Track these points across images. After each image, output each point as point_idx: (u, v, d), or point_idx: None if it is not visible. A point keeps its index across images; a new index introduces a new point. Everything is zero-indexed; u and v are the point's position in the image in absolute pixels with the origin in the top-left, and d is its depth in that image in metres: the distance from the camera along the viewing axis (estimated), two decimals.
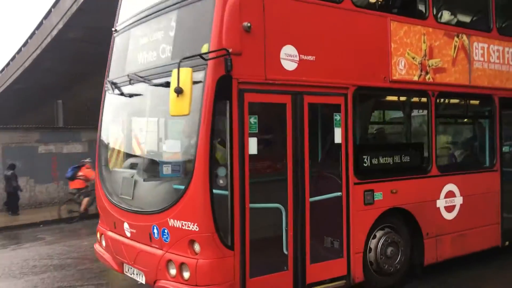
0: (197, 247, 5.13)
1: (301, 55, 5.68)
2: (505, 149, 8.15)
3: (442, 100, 7.33)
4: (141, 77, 5.89)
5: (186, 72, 4.80)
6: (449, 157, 7.86)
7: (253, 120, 5.33)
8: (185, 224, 5.16)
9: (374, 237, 6.39)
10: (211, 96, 5.04)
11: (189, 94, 4.77)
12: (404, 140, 7.25)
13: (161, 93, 5.42)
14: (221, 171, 5.19)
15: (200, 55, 5.02)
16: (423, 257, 6.92)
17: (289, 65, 5.61)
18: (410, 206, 6.74)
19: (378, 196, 6.40)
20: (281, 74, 5.55)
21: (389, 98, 7.16)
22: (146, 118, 6.56)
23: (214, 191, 5.11)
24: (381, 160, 6.54)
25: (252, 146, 5.33)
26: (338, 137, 6.07)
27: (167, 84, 5.09)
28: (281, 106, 5.62)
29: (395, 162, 6.67)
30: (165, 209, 5.40)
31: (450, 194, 7.23)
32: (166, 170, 5.70)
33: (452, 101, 7.68)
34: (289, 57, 5.59)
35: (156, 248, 5.53)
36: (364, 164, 6.35)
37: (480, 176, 7.73)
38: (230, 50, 5.11)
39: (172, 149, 5.93)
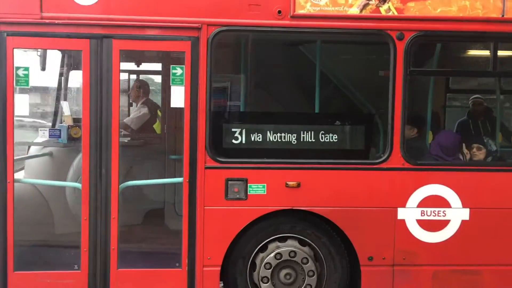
0: None
1: None
2: None
3: (423, 45, 4.48)
4: None
5: None
6: (442, 141, 4.72)
7: (22, 72, 4.15)
8: None
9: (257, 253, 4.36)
10: None
11: None
12: (323, 108, 4.67)
13: None
14: None
15: None
16: None
17: None
18: (329, 211, 4.35)
19: (258, 189, 4.30)
20: (70, 11, 4.13)
21: (292, 44, 4.66)
22: None
23: None
24: (271, 137, 4.35)
25: (20, 104, 4.17)
26: (178, 100, 4.26)
27: None
28: (74, 53, 4.23)
29: (302, 141, 4.37)
30: None
31: (436, 202, 4.41)
32: None
33: (451, 45, 4.64)
34: None
35: None
36: (235, 141, 4.33)
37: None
38: None
39: None
